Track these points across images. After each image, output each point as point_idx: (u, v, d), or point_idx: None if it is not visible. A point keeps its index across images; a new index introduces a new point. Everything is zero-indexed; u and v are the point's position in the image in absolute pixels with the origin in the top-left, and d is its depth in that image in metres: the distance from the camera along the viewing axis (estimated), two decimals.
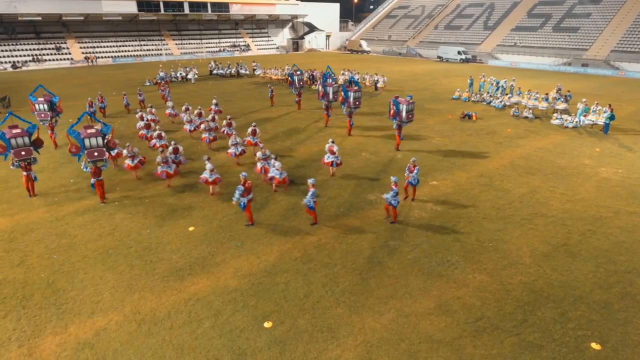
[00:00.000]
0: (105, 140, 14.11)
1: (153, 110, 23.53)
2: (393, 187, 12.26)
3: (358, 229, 12.49)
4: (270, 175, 14.91)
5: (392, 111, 18.69)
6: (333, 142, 16.27)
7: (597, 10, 57.63)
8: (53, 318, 8.91)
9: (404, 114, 18.42)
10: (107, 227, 12.72)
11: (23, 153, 14.10)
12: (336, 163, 16.13)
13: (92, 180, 14.16)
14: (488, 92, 32.46)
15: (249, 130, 18.45)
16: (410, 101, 18.43)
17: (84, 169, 14.70)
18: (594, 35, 54.60)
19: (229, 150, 17.54)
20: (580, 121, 23.90)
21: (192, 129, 21.77)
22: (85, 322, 8.78)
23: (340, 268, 10.60)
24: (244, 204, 12.28)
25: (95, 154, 13.75)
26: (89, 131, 13.83)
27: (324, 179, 16.28)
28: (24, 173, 14.47)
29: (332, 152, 16.03)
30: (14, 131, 14.09)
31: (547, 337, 8.34)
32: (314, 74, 39.44)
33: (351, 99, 20.88)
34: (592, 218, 13.13)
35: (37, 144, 14.73)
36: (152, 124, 21.06)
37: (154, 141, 18.92)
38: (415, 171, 13.74)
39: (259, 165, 15.55)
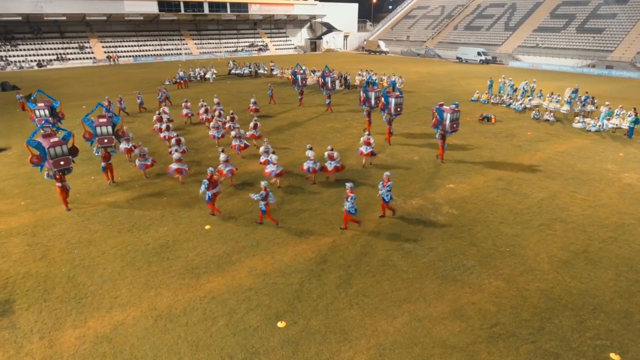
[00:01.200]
0: (115, 129, 15.81)
1: (188, 104, 24.60)
2: (349, 194, 11.85)
3: (373, 231, 12.46)
4: (307, 166, 15.54)
5: (434, 119, 17.38)
6: (369, 134, 17.58)
7: (623, 10, 56.11)
8: (73, 312, 9.15)
9: (447, 123, 17.06)
10: (126, 223, 12.99)
11: (62, 163, 13.06)
12: (373, 153, 17.34)
13: (103, 164, 15.73)
14: (508, 94, 31.97)
15: (251, 124, 19.65)
16: (456, 109, 17.10)
17: (95, 154, 16.10)
18: (620, 37, 53.20)
19: (234, 143, 18.06)
20: (603, 125, 23.33)
21: (220, 135, 19.97)
22: (104, 317, 9.00)
23: (354, 270, 10.59)
24: (209, 196, 12.89)
25: (106, 140, 15.45)
26: (100, 120, 15.46)
27: (337, 180, 16.30)
28: (58, 184, 13.43)
29: (368, 144, 17.11)
30: (52, 140, 13.00)
31: (564, 345, 8.18)
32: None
33: (392, 105, 19.50)
34: (614, 225, 12.81)
35: (73, 152, 13.73)
36: (164, 116, 21.98)
37: (163, 133, 19.95)
38: (387, 186, 12.50)
39: (309, 164, 15.57)
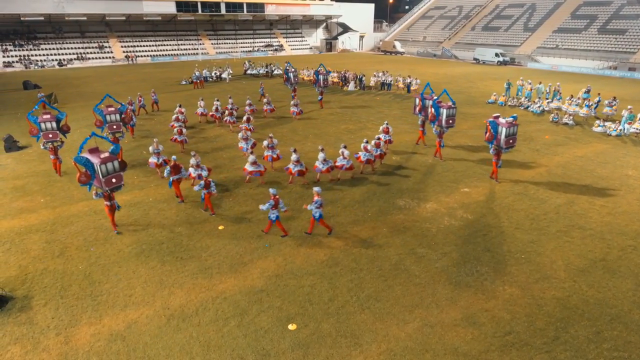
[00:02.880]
0: (122, 117, 18.26)
1: (222, 101, 25.64)
2: (271, 199, 11.76)
3: (385, 235, 12.40)
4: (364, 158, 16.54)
5: (488, 134, 15.55)
6: (387, 123, 19.19)
7: None
8: (88, 309, 9.32)
9: (502, 138, 15.28)
10: (142, 222, 13.18)
11: (114, 181, 11.76)
12: (391, 141, 19.11)
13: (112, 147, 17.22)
14: (526, 97, 31.47)
15: (244, 118, 21.41)
16: (513, 123, 15.29)
17: (106, 139, 17.17)
18: None
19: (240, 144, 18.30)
20: (624, 129, 22.77)
21: (250, 146, 18.13)
22: (118, 315, 9.15)
23: (366, 273, 10.55)
24: (171, 182, 14.27)
25: (115, 126, 18.07)
26: (109, 109, 17.91)
27: (348, 180, 16.27)
28: (107, 203, 12.13)
29: (387, 132, 18.74)
30: (103, 156, 11.65)
31: (580, 356, 8.01)
32: (347, 75, 39.45)
33: (443, 117, 17.73)
34: (634, 233, 12.49)
35: (123, 166, 12.48)
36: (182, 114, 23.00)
37: (172, 123, 21.53)
38: (315, 202, 11.72)
39: (366, 155, 16.78)
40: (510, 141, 15.46)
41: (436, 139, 18.81)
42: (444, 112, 17.74)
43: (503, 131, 15.27)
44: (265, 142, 17.11)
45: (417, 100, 19.74)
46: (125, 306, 9.42)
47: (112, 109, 17.96)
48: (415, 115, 20.59)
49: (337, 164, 16.09)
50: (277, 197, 11.84)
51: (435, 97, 18.71)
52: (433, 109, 18.01)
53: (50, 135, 16.27)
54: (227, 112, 23.75)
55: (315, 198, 11.75)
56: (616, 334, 8.56)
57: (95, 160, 11.47)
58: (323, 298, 9.65)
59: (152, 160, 16.38)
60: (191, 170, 14.85)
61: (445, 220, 13.26)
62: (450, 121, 17.96)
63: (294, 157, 15.58)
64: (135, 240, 12.16)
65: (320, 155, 15.69)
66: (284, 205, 12.16)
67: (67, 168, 17.11)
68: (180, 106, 22.94)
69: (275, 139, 17.40)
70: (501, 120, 15.49)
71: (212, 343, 8.36)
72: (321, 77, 28.60)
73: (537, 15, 66.29)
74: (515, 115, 15.69)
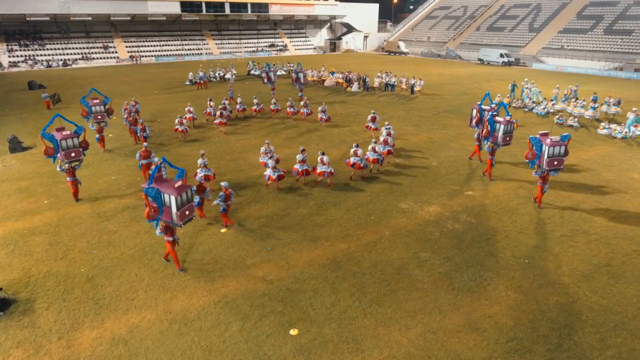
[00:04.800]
0: (106, 108, 20.04)
1: (212, 103, 26.19)
2: (222, 192, 12.59)
3: (388, 238, 12.35)
4: (320, 170, 15.79)
5: (529, 152, 13.72)
6: (374, 112, 21.33)
7: None
8: (91, 312, 9.34)
9: (545, 158, 13.45)
10: (145, 225, 13.16)
11: (187, 213, 10.39)
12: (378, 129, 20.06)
13: (97, 136, 20.13)
14: (530, 98, 31.28)
15: (218, 113, 23.71)
16: (560, 143, 13.33)
17: (91, 128, 20.07)
18: None
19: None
20: (630, 132, 22.59)
21: (275, 160, 16.62)
22: (120, 318, 9.15)
23: (369, 278, 10.52)
24: (140, 165, 15.79)
25: (99, 117, 19.73)
26: (94, 101, 19.67)
27: (349, 182, 16.21)
28: (169, 239, 10.68)
29: (374, 120, 20.47)
30: (177, 185, 10.08)
31: None
32: (350, 76, 39.38)
33: (500, 133, 15.68)
34: None
35: (201, 189, 12.05)
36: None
37: (188, 115, 23.74)
38: (219, 196, 12.21)
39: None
40: (555, 162, 13.54)
41: (488, 157, 16.74)
42: (501, 127, 15.75)
43: (546, 150, 13.44)
44: (298, 156, 15.95)
45: (475, 112, 17.62)
46: (128, 310, 9.43)
47: (97, 100, 19.72)
48: (472, 129, 18.74)
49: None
50: (229, 190, 12.56)
51: (495, 108, 17.01)
52: (488, 124, 16.05)
53: (73, 155, 14.20)
54: (220, 106, 24.85)
55: (220, 192, 12.47)
56: (620, 341, 8.48)
57: (170, 192, 9.83)
58: (325, 303, 9.62)
59: (201, 173, 14.89)
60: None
61: (449, 224, 13.20)
62: (508, 138, 15.89)
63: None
64: (138, 242, 12.18)
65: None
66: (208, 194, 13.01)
67: (80, 191, 15.20)
68: (210, 100, 26.17)
69: (306, 152, 16.22)
70: (546, 139, 13.57)
71: (214, 348, 8.35)
72: (301, 75, 31.04)
73: (543, 16, 65.91)
74: (568, 134, 13.73)
